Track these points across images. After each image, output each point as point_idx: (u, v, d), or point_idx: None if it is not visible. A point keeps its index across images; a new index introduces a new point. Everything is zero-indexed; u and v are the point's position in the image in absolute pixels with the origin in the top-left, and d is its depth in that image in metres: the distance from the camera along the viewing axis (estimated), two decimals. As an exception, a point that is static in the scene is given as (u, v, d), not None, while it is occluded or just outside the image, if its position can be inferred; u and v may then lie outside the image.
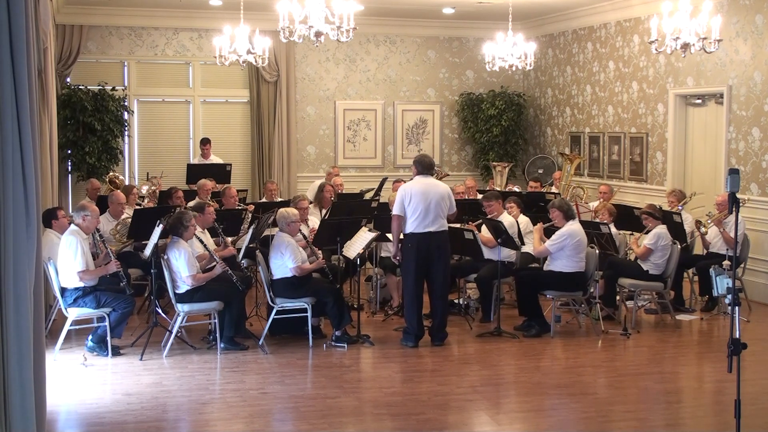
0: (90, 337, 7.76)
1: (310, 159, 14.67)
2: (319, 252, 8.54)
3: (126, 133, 13.43)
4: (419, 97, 15.13)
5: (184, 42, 14.04)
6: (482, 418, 6.35)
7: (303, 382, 7.13)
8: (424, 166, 8.24)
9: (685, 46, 8.64)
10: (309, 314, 8.03)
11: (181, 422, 6.24)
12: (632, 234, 9.73)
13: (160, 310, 8.08)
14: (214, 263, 7.97)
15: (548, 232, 8.82)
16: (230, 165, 12.77)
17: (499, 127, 14.48)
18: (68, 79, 13.22)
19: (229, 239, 8.86)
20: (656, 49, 8.99)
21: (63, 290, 7.60)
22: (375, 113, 14.90)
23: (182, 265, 7.63)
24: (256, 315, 8.84)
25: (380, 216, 9.36)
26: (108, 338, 7.61)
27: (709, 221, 9.55)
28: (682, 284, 9.73)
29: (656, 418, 6.36)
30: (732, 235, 8.92)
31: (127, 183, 12.25)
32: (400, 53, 14.94)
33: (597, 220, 9.58)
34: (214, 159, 13.32)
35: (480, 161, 14.91)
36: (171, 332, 7.80)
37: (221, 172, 12.37)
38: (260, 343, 7.94)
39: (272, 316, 8.05)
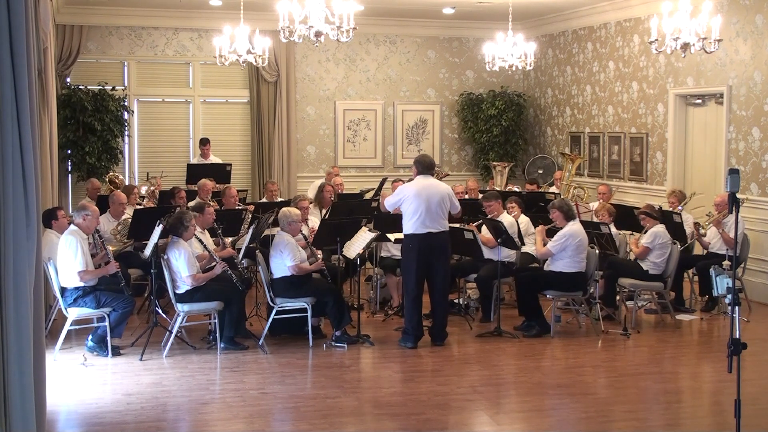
0: (90, 337, 7.76)
1: (310, 159, 14.67)
2: (319, 253, 8.54)
3: (126, 133, 13.44)
4: (419, 97, 15.13)
5: (184, 42, 14.04)
6: (482, 418, 6.35)
7: (303, 382, 7.13)
8: (425, 166, 8.24)
9: (685, 46, 8.64)
10: (309, 314, 8.03)
11: (181, 422, 6.24)
12: (632, 234, 9.72)
13: (160, 310, 8.08)
14: (214, 263, 7.97)
15: (549, 233, 8.82)
16: (230, 165, 12.76)
17: (499, 127, 14.48)
18: (68, 79, 13.22)
19: (228, 240, 8.86)
20: (656, 49, 8.99)
21: (63, 290, 7.60)
22: (375, 113, 14.90)
23: (182, 265, 7.63)
24: (256, 315, 8.83)
25: (380, 216, 9.36)
26: (108, 338, 7.61)
27: (708, 223, 9.54)
28: (682, 284, 9.73)
29: (656, 418, 6.37)
30: (731, 235, 8.92)
31: (127, 183, 12.25)
32: (400, 53, 14.94)
33: (597, 220, 9.58)
34: (214, 159, 13.32)
35: (480, 161, 14.91)
36: (171, 332, 7.80)
37: (221, 172, 12.36)
38: (260, 343, 7.94)
39: (272, 316, 8.05)
